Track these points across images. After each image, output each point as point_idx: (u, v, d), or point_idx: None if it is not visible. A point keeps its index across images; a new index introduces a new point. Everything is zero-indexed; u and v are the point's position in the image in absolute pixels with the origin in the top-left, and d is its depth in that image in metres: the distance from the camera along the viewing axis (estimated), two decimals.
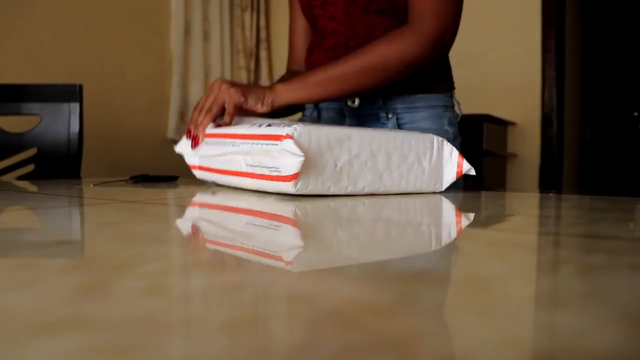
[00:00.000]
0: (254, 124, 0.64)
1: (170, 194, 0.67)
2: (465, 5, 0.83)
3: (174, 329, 0.15)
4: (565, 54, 2.68)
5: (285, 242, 0.32)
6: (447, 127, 0.87)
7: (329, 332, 0.15)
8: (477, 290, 0.20)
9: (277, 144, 0.56)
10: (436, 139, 0.66)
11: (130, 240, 0.30)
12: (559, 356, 0.13)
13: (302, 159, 0.53)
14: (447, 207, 0.53)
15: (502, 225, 0.41)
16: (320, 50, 0.90)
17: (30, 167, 1.35)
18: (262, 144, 0.60)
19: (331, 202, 0.53)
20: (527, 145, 2.62)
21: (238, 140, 0.65)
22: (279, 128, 0.57)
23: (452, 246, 0.31)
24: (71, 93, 1.37)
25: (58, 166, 1.34)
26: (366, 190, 0.61)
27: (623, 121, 3.78)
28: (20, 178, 1.33)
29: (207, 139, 0.73)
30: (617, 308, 0.17)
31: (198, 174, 0.77)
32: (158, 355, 0.13)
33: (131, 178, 0.86)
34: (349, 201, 0.55)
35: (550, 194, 0.67)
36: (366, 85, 0.78)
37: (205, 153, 0.73)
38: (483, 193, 0.72)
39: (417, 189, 0.64)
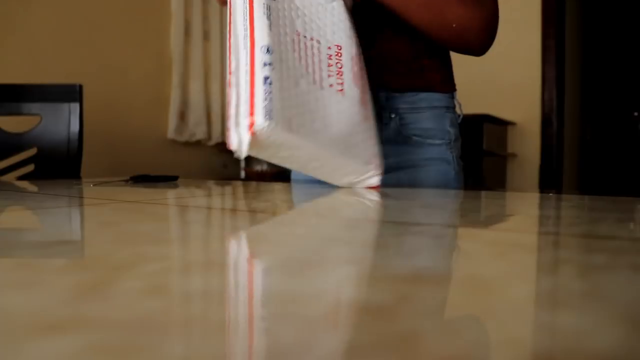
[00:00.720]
0: (263, 50, 0.60)
1: (170, 194, 0.67)
2: None
3: (174, 329, 0.15)
4: (565, 54, 2.68)
5: (284, 240, 0.32)
6: (448, 128, 0.87)
7: (329, 332, 0.15)
8: (477, 290, 0.20)
9: (244, 116, 0.55)
10: (373, 172, 0.68)
11: (130, 240, 0.30)
12: (559, 356, 0.13)
13: (242, 156, 0.56)
14: (447, 207, 0.53)
15: (502, 225, 0.41)
16: None
17: (30, 167, 1.35)
18: (245, 92, 0.58)
19: (329, 198, 0.53)
20: (527, 145, 2.63)
21: (249, 44, 0.60)
22: (261, 102, 0.55)
23: (452, 246, 0.31)
24: (71, 93, 1.37)
25: (58, 166, 1.34)
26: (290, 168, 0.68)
27: (623, 121, 3.78)
28: (20, 178, 1.33)
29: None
30: (618, 308, 0.17)
31: None
32: (158, 355, 0.13)
33: (131, 178, 0.87)
34: (347, 198, 0.55)
35: (550, 194, 0.67)
36: (421, 19, 0.75)
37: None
38: (483, 193, 0.72)
39: (326, 180, 0.70)
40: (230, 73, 0.61)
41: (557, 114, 2.57)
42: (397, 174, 0.88)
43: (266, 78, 0.57)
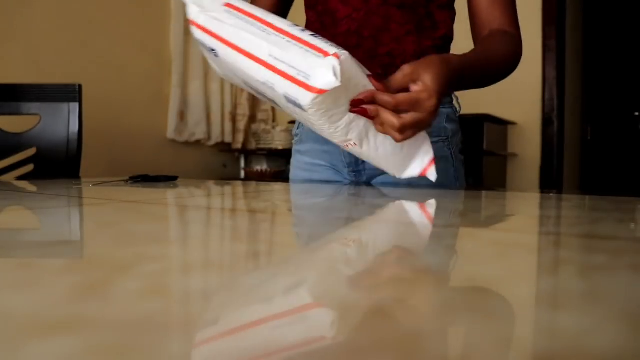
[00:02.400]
0: (292, 26, 0.63)
1: (170, 194, 0.67)
2: (465, 5, 0.83)
3: (174, 329, 0.15)
4: (566, 54, 2.68)
5: (283, 240, 0.32)
6: (445, 124, 0.86)
7: (329, 332, 0.15)
8: (477, 290, 0.20)
9: (320, 57, 0.57)
10: (424, 134, 0.68)
11: (130, 240, 0.30)
12: (559, 356, 0.13)
13: (339, 84, 0.55)
14: (447, 207, 0.53)
15: (502, 225, 0.41)
16: (329, 35, 0.85)
17: (29, 167, 1.35)
18: (301, 47, 0.59)
19: (328, 198, 0.53)
20: (528, 145, 2.62)
21: (272, 30, 0.62)
22: (327, 45, 0.58)
23: (453, 246, 0.31)
24: (70, 93, 1.37)
25: (57, 166, 1.34)
26: (348, 143, 0.63)
27: (624, 121, 3.77)
28: (20, 178, 1.32)
29: (231, 10, 0.66)
30: (617, 308, 0.17)
31: (198, 34, 0.69)
32: (158, 355, 0.13)
33: (130, 178, 0.86)
34: (346, 199, 0.55)
35: (551, 194, 0.67)
36: (485, 84, 0.78)
37: (220, 17, 0.66)
38: (483, 193, 0.72)
39: (382, 165, 0.67)
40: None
41: (557, 114, 2.56)
42: None
43: (312, 34, 0.60)
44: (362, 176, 0.90)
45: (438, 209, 0.51)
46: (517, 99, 2.57)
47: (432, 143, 0.86)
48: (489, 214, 0.50)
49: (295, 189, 0.80)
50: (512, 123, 2.60)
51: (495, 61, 0.76)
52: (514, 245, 0.29)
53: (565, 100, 2.68)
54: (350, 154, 0.88)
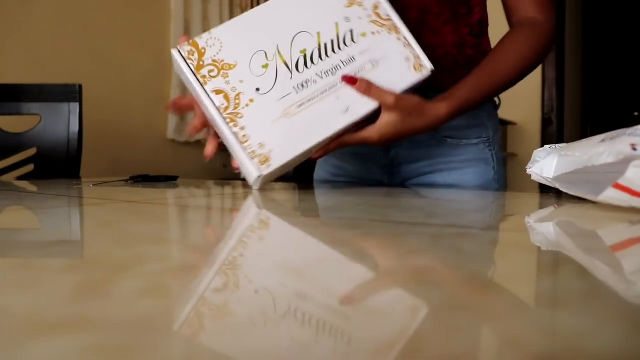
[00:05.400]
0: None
1: (170, 194, 0.67)
2: None
3: (174, 329, 0.15)
4: (565, 54, 2.68)
5: (284, 240, 0.32)
6: (486, 122, 0.82)
7: (329, 332, 0.15)
8: (477, 290, 0.20)
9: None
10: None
11: (130, 240, 0.30)
12: (559, 356, 0.13)
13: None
14: (447, 207, 0.53)
15: (502, 225, 0.41)
16: None
17: (29, 167, 1.35)
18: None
19: (330, 199, 0.53)
20: (527, 145, 2.63)
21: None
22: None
23: (452, 246, 0.31)
24: (71, 93, 1.37)
25: (58, 166, 1.34)
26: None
27: (624, 121, 3.77)
28: (20, 178, 1.33)
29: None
30: (617, 308, 0.17)
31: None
32: (158, 355, 0.13)
33: (131, 178, 0.87)
34: (349, 198, 0.55)
35: (550, 194, 0.67)
36: (497, 92, 0.74)
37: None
38: (483, 193, 0.72)
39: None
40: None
41: (557, 114, 2.57)
42: (432, 176, 0.82)
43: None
44: (396, 178, 0.85)
45: (438, 208, 0.51)
46: (517, 99, 2.57)
47: (472, 145, 0.81)
48: (489, 214, 0.50)
49: (298, 188, 0.79)
50: (512, 123, 2.60)
51: (504, 74, 0.72)
52: (514, 245, 0.30)
53: (565, 100, 2.69)
54: (385, 155, 0.83)
